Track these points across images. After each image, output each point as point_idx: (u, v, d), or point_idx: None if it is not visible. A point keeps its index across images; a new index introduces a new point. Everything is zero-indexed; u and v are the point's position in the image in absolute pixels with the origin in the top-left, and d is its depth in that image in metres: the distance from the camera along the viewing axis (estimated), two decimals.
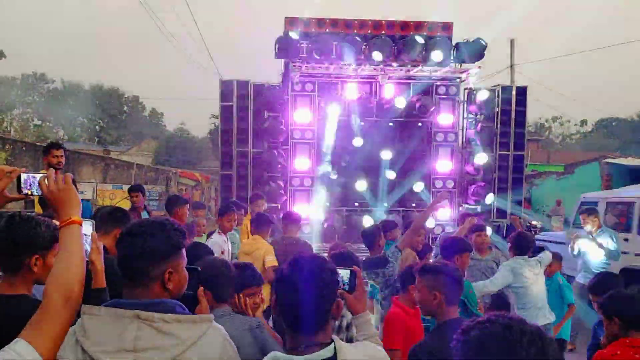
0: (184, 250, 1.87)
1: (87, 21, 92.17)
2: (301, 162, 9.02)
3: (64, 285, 1.67)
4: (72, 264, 1.74)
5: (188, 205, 6.09)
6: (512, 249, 5.14)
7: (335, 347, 1.70)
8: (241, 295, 2.86)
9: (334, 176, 9.41)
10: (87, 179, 22.63)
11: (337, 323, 3.27)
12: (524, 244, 5.10)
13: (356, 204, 9.20)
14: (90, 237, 2.24)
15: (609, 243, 6.51)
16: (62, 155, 5.66)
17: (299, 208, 8.98)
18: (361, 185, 9.08)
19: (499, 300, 4.90)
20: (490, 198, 9.29)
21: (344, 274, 2.03)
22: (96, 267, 2.25)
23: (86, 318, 1.70)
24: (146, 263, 1.75)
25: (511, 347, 1.26)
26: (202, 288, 2.47)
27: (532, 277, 4.99)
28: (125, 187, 14.78)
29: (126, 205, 7.93)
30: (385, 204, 9.22)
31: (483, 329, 1.34)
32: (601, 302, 3.28)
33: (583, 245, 6.64)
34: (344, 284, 2.03)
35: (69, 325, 1.67)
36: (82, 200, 1.94)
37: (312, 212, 8.95)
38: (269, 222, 5.70)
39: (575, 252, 6.71)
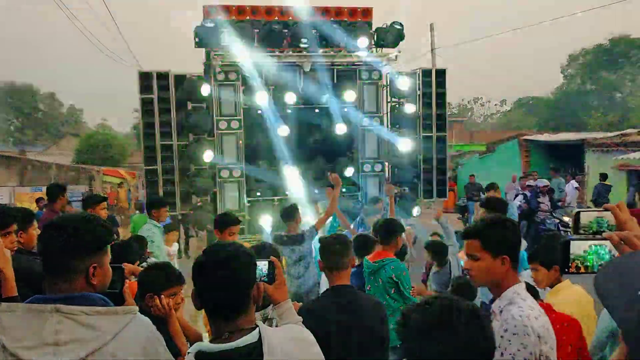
0: (109, 246, 1.85)
1: None
2: (229, 153, 8.86)
3: None
4: None
5: (105, 203, 5.78)
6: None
7: (260, 331, 1.69)
8: (163, 296, 2.75)
9: (263, 165, 9.35)
10: (3, 183, 21.21)
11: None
12: None
13: (286, 192, 9.13)
14: None
15: None
16: None
17: (230, 199, 8.86)
18: (290, 173, 9.03)
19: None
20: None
21: (262, 265, 2.01)
22: (5, 275, 2.11)
23: (3, 315, 1.64)
24: (71, 257, 1.71)
25: (450, 327, 1.28)
26: (127, 285, 2.38)
27: None
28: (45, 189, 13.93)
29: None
30: (316, 191, 9.24)
31: (422, 312, 1.35)
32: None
33: None
34: (263, 276, 2.01)
35: None
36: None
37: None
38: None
39: None
